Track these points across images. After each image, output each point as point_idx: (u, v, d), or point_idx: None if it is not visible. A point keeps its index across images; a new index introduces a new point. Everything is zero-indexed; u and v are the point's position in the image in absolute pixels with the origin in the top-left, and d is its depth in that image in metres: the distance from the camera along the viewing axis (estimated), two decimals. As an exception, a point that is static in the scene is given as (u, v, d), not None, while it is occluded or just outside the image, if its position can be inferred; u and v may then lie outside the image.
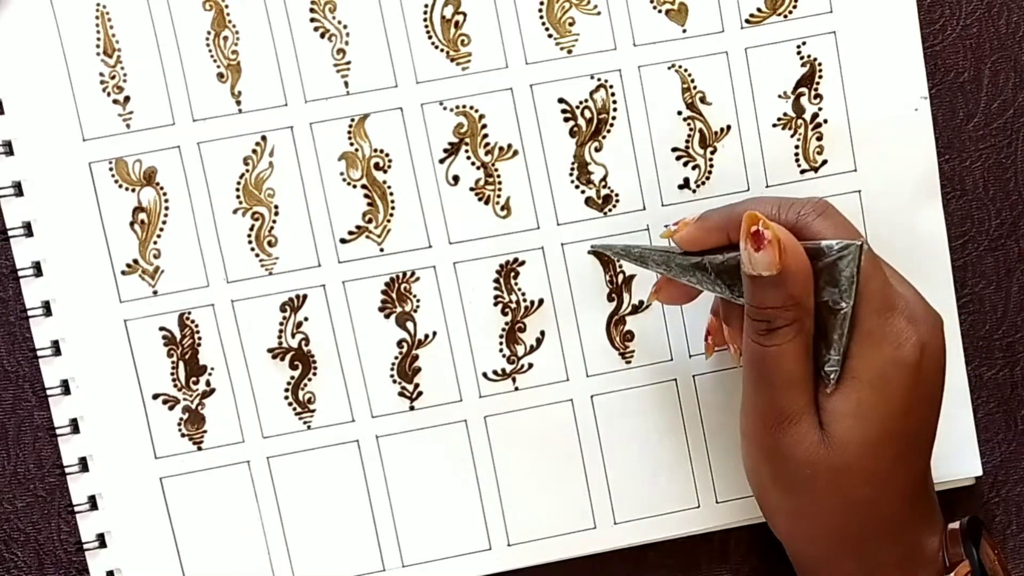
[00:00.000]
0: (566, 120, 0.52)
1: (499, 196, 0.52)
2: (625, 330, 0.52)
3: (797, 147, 0.52)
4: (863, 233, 0.52)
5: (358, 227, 0.51)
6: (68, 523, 0.52)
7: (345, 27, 0.51)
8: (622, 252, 0.49)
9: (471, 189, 0.52)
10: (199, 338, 0.51)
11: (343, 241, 0.51)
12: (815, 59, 0.52)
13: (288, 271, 0.51)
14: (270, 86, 0.51)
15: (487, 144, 0.51)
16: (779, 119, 0.52)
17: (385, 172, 0.51)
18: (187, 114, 0.51)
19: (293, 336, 0.52)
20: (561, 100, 0.51)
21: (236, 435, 0.52)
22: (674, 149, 0.52)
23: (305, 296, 0.52)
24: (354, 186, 0.51)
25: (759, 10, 0.52)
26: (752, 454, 0.46)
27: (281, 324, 0.52)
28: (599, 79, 0.51)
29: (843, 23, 0.52)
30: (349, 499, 0.52)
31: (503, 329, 0.52)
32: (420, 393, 0.52)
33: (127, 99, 0.51)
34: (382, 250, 0.52)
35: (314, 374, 0.52)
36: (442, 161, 0.51)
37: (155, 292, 0.51)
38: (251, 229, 0.51)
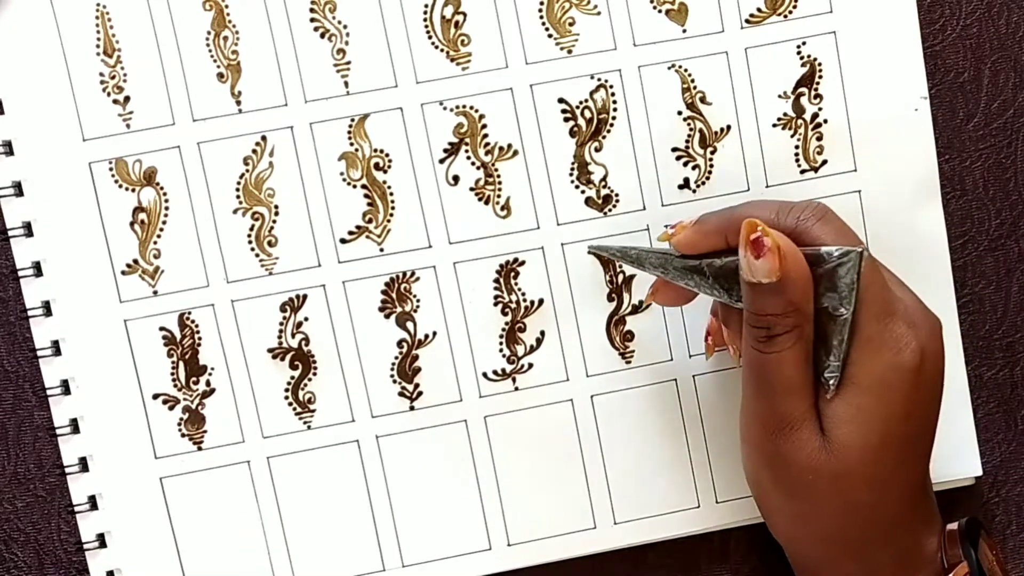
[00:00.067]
0: (566, 120, 0.52)
1: (499, 196, 0.52)
2: (625, 330, 0.52)
3: (797, 147, 0.52)
4: (863, 234, 0.52)
5: (358, 227, 0.51)
6: (68, 523, 0.52)
7: (345, 27, 0.51)
8: (619, 254, 0.49)
9: (471, 189, 0.52)
10: (199, 338, 0.51)
11: (343, 241, 0.51)
12: (815, 59, 0.52)
13: (288, 271, 0.51)
14: (270, 86, 0.51)
15: (487, 144, 0.51)
16: (779, 119, 0.52)
17: (385, 172, 0.51)
18: (187, 114, 0.51)
19: (293, 336, 0.52)
20: (561, 100, 0.51)
21: (236, 435, 0.52)
22: (674, 149, 0.52)
23: (305, 296, 0.52)
24: (354, 186, 0.51)
25: (759, 10, 0.52)
26: (752, 459, 0.46)
27: (281, 324, 0.52)
28: (599, 79, 0.51)
29: (843, 23, 0.52)
30: (349, 499, 0.52)
31: (503, 329, 0.52)
32: (420, 393, 0.52)
33: (127, 99, 0.51)
34: (382, 250, 0.52)
35: (314, 374, 0.52)
36: (442, 161, 0.51)
37: (155, 292, 0.51)
38: (251, 229, 0.51)
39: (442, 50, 0.51)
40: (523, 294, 0.52)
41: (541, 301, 0.52)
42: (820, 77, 0.52)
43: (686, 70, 0.52)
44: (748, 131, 0.52)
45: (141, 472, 0.52)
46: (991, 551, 0.46)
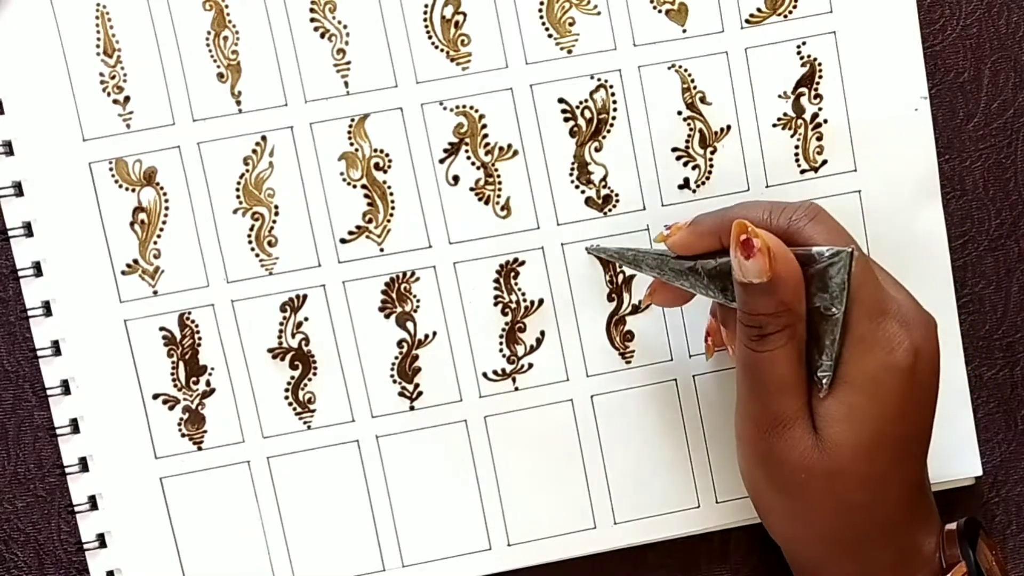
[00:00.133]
0: (566, 120, 0.52)
1: (499, 196, 0.52)
2: (625, 330, 0.52)
3: (797, 147, 0.52)
4: (863, 233, 0.52)
5: (358, 227, 0.51)
6: (68, 523, 0.52)
7: (345, 27, 0.51)
8: (616, 255, 0.50)
9: (471, 189, 0.52)
10: (199, 338, 0.51)
11: (343, 241, 0.51)
12: (815, 59, 0.52)
13: (288, 271, 0.51)
14: (270, 86, 0.51)
15: (487, 144, 0.51)
16: (779, 119, 0.52)
17: (385, 172, 0.51)
18: (187, 114, 0.51)
19: (293, 336, 0.52)
20: (561, 100, 0.51)
21: (236, 435, 0.52)
22: (674, 149, 0.52)
23: (305, 296, 0.52)
24: (354, 186, 0.51)
25: (759, 10, 0.52)
26: (747, 458, 0.46)
27: (281, 324, 0.52)
28: (599, 79, 0.51)
29: (843, 23, 0.52)
30: (349, 499, 0.52)
31: (503, 329, 0.52)
32: (420, 393, 0.52)
33: (127, 99, 0.51)
34: (382, 250, 0.52)
35: (314, 374, 0.52)
36: (442, 161, 0.51)
37: (155, 292, 0.51)
38: (251, 229, 0.51)
39: (442, 50, 0.51)
40: (523, 294, 0.52)
41: (541, 301, 0.52)
42: (820, 77, 0.52)
43: (686, 70, 0.52)
44: (748, 131, 0.52)
45: (141, 472, 0.52)
46: (990, 551, 0.46)
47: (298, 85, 0.51)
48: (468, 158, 0.51)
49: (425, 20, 0.51)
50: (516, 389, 0.52)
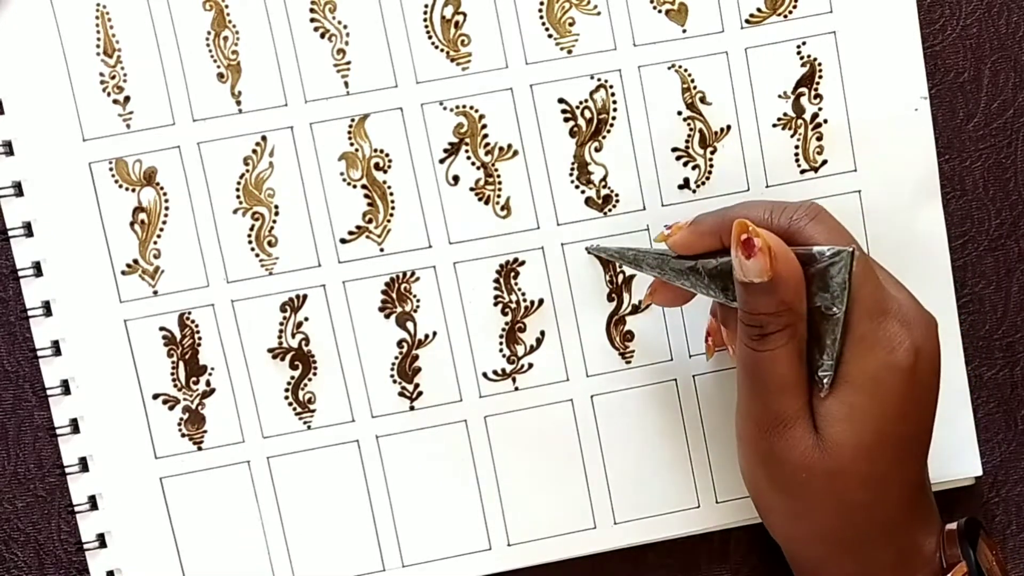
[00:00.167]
0: (566, 120, 0.52)
1: (499, 196, 0.52)
2: (625, 330, 0.52)
3: (797, 147, 0.52)
4: (863, 233, 0.52)
5: (358, 227, 0.51)
6: (68, 523, 0.52)
7: (345, 27, 0.51)
8: (617, 254, 0.50)
9: (471, 189, 0.52)
10: (199, 338, 0.51)
11: (343, 241, 0.51)
12: (815, 59, 0.52)
13: (288, 271, 0.51)
14: (270, 86, 0.51)
15: (487, 144, 0.51)
16: (779, 119, 0.52)
17: (385, 172, 0.51)
18: (187, 114, 0.51)
19: (293, 336, 0.52)
20: (561, 100, 0.51)
21: (236, 435, 0.52)
22: (674, 149, 0.52)
23: (305, 296, 0.52)
24: (354, 186, 0.51)
25: (759, 10, 0.52)
26: (747, 457, 0.46)
27: (281, 324, 0.52)
28: (599, 79, 0.51)
29: (843, 23, 0.52)
30: (349, 499, 0.52)
31: (503, 329, 0.52)
32: (420, 393, 0.52)
33: (127, 99, 0.51)
34: (382, 250, 0.52)
35: (314, 374, 0.52)
36: (442, 161, 0.51)
37: (155, 292, 0.51)
38: (251, 229, 0.51)
39: (442, 50, 0.51)
40: (523, 294, 0.52)
41: (541, 301, 0.52)
42: (820, 77, 0.52)
43: (686, 70, 0.52)
44: (748, 131, 0.52)
45: (141, 472, 0.52)
46: (991, 551, 0.46)
47: (298, 85, 0.51)
48: (468, 158, 0.51)
49: (425, 20, 0.51)
50: (516, 389, 0.52)
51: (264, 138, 0.51)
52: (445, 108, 0.51)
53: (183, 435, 0.52)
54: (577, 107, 0.51)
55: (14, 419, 0.52)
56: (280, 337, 0.52)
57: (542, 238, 0.52)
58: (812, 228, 0.44)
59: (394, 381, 0.52)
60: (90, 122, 0.51)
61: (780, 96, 0.52)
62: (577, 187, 0.52)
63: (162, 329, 0.51)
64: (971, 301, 0.54)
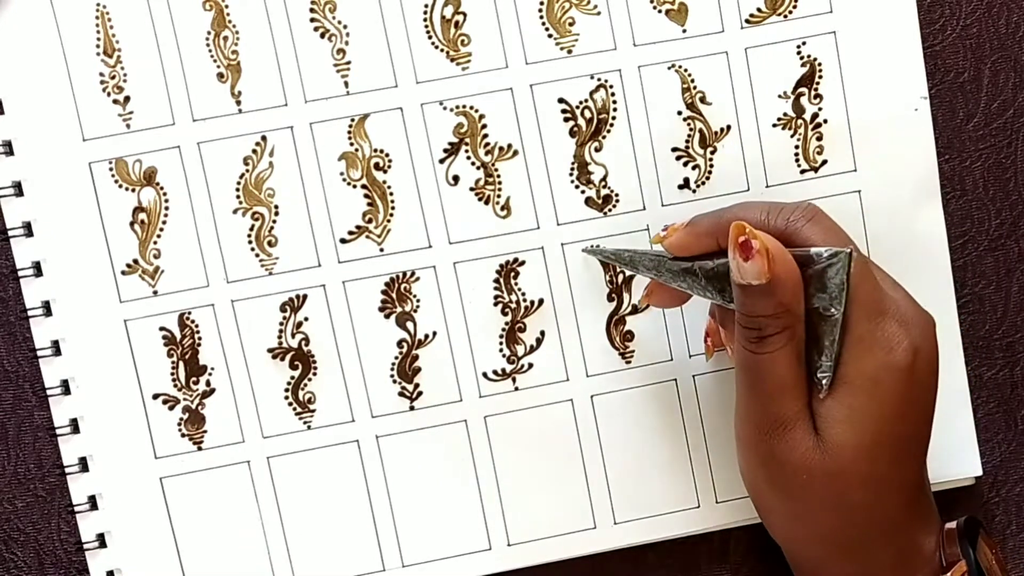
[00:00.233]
0: (566, 120, 0.52)
1: (499, 196, 0.52)
2: (625, 330, 0.52)
3: (797, 147, 0.52)
4: (863, 233, 0.52)
5: (358, 227, 0.51)
6: (68, 523, 0.52)
7: (345, 27, 0.51)
8: (613, 256, 0.50)
9: (471, 189, 0.52)
10: (199, 338, 0.51)
11: (343, 241, 0.51)
12: (815, 59, 0.52)
13: (288, 271, 0.51)
14: (270, 86, 0.51)
15: (487, 144, 0.51)
16: (779, 119, 0.52)
17: (385, 172, 0.51)
18: (187, 114, 0.51)
19: (293, 336, 0.52)
20: (561, 100, 0.51)
21: (236, 435, 0.52)
22: (674, 149, 0.52)
23: (305, 296, 0.52)
24: (354, 186, 0.51)
25: (759, 10, 0.52)
26: (747, 459, 0.46)
27: (281, 324, 0.52)
28: (599, 79, 0.51)
29: (843, 23, 0.52)
30: (349, 499, 0.52)
31: (503, 329, 0.52)
32: (420, 393, 0.52)
33: (127, 99, 0.51)
34: (382, 250, 0.52)
35: (314, 374, 0.52)
36: (442, 161, 0.51)
37: (155, 292, 0.51)
38: (251, 229, 0.51)
39: (442, 50, 0.51)
40: (523, 294, 0.52)
41: (541, 301, 0.52)
42: (820, 77, 0.52)
43: (686, 70, 0.52)
44: (748, 131, 0.52)
45: (141, 472, 0.52)
46: (990, 550, 0.46)
47: (298, 85, 0.51)
48: (468, 158, 0.51)
49: (425, 20, 0.51)
50: (516, 389, 0.52)
51: (264, 138, 0.51)
52: (445, 108, 0.51)
53: (183, 435, 0.52)
54: (577, 107, 0.51)
55: (14, 419, 0.52)
56: (280, 337, 0.52)
57: (542, 238, 0.52)
58: (809, 229, 0.44)
59: (394, 381, 0.52)
60: (90, 122, 0.51)
61: (780, 96, 0.52)
62: (577, 187, 0.52)
63: (162, 329, 0.51)
64: (971, 301, 0.54)
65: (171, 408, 0.52)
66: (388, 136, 0.51)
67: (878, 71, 0.52)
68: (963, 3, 0.53)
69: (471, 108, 0.51)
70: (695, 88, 0.52)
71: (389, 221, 0.51)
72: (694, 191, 0.52)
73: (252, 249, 0.51)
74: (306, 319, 0.52)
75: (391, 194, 0.51)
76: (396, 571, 0.52)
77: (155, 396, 0.51)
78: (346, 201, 0.51)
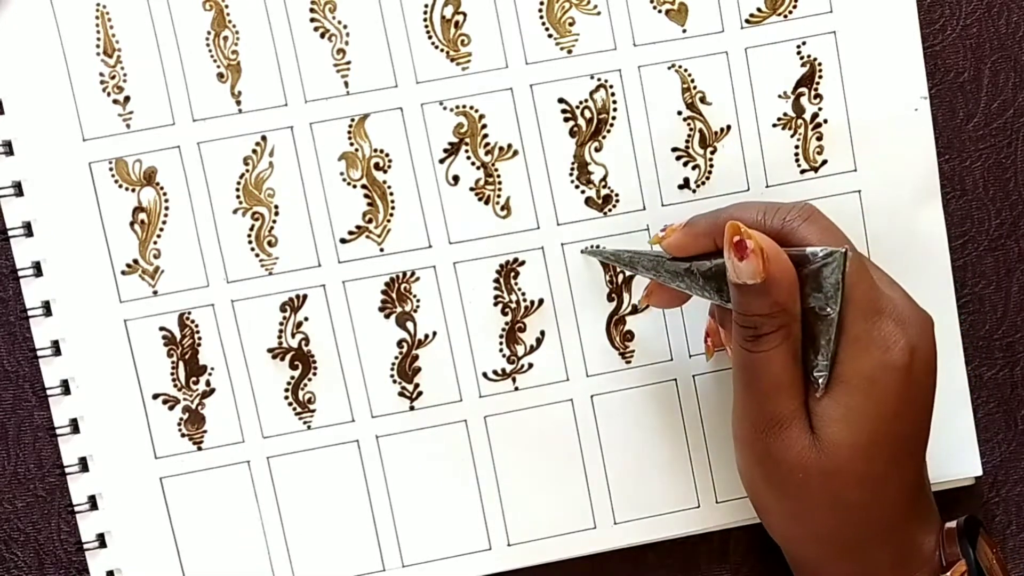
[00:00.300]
0: (566, 120, 0.52)
1: (499, 196, 0.52)
2: (625, 330, 0.52)
3: (797, 147, 0.52)
4: (863, 233, 0.52)
5: (358, 227, 0.51)
6: (68, 523, 0.52)
7: (345, 27, 0.51)
8: (613, 256, 0.50)
9: (471, 189, 0.52)
10: (199, 338, 0.51)
11: (343, 241, 0.51)
12: (815, 59, 0.52)
13: (288, 271, 0.51)
14: (270, 86, 0.51)
15: (487, 144, 0.51)
16: (779, 119, 0.52)
17: (385, 172, 0.51)
18: (187, 114, 0.51)
19: (293, 336, 0.52)
20: (561, 100, 0.51)
21: (236, 435, 0.52)
22: (674, 149, 0.52)
23: (305, 296, 0.52)
24: (354, 186, 0.51)
25: (759, 10, 0.52)
26: (745, 458, 0.46)
27: (281, 324, 0.52)
28: (599, 79, 0.51)
29: (843, 23, 0.52)
30: (349, 499, 0.52)
31: (503, 329, 0.52)
32: (420, 393, 0.52)
33: (127, 99, 0.51)
34: (382, 250, 0.52)
35: (314, 374, 0.52)
36: (442, 161, 0.51)
37: (155, 292, 0.51)
38: (251, 229, 0.51)
39: (442, 50, 0.51)
40: (523, 294, 0.52)
41: (541, 301, 0.52)
42: (820, 77, 0.52)
43: (686, 70, 0.52)
44: (748, 131, 0.52)
45: (141, 472, 0.52)
46: (991, 550, 0.46)
47: (298, 85, 0.51)
48: (468, 158, 0.51)
49: (425, 20, 0.51)
50: (516, 389, 0.52)
51: (264, 138, 0.51)
52: (445, 108, 0.51)
53: (183, 435, 0.52)
54: (577, 107, 0.51)
55: (14, 419, 0.52)
56: (280, 337, 0.52)
57: (542, 238, 0.52)
58: (805, 229, 0.45)
59: (394, 381, 0.52)
60: (90, 122, 0.51)
61: (780, 96, 0.52)
62: (577, 187, 0.52)
63: (162, 329, 0.51)
64: (971, 301, 0.54)
65: (171, 408, 0.52)
66: (388, 136, 0.51)
67: (878, 71, 0.52)
68: (963, 3, 0.53)
69: (471, 108, 0.51)
70: (695, 88, 0.52)
71: (389, 221, 0.51)
72: (694, 191, 0.52)
73: (252, 249, 0.51)
74: (306, 319, 0.52)
75: (391, 194, 0.51)
76: (396, 571, 0.52)
77: (155, 396, 0.51)
78: (346, 201, 0.51)
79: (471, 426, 0.52)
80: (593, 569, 0.53)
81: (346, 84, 0.51)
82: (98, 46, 0.50)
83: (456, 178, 0.51)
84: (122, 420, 0.51)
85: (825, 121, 0.52)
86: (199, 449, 0.52)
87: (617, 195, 0.52)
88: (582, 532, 0.53)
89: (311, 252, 0.51)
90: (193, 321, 0.51)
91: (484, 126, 0.51)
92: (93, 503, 0.52)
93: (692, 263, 0.47)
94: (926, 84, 0.52)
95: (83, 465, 0.51)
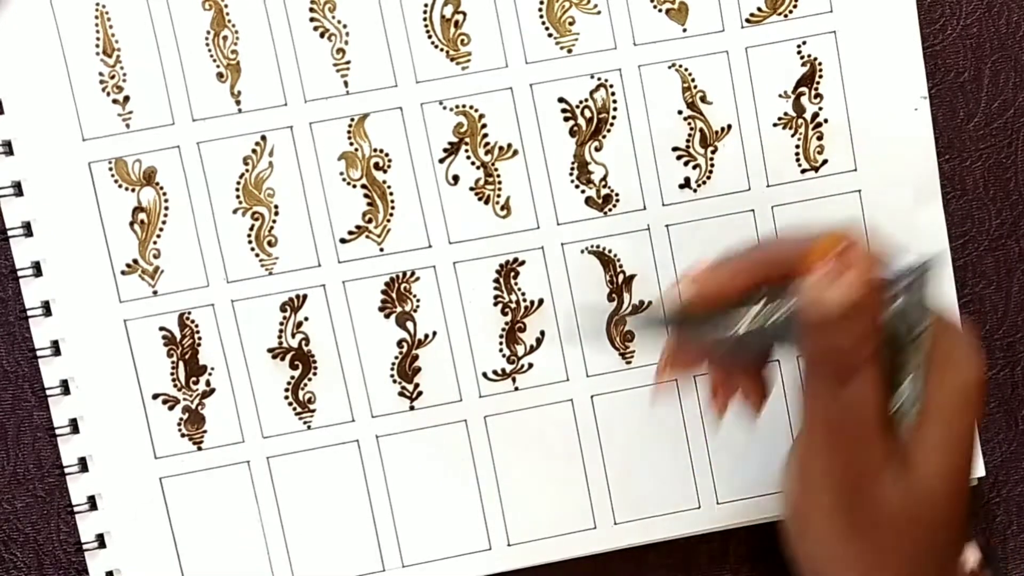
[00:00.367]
0: (566, 120, 0.52)
1: (499, 196, 0.52)
2: (625, 330, 0.52)
3: (797, 147, 0.52)
4: (864, 233, 0.52)
5: (358, 227, 0.51)
6: (68, 523, 0.52)
7: (345, 27, 0.51)
8: (661, 320, 0.45)
9: (471, 189, 0.52)
10: (199, 338, 0.51)
11: (343, 241, 0.51)
12: (815, 59, 0.52)
13: (288, 271, 0.51)
14: (270, 86, 0.51)
15: (487, 144, 0.51)
16: (779, 119, 0.52)
17: (385, 172, 0.51)
18: (187, 114, 0.51)
19: (293, 336, 0.52)
20: (561, 100, 0.51)
21: (236, 435, 0.52)
22: (674, 148, 0.52)
23: (305, 296, 0.52)
24: (354, 186, 0.51)
25: (759, 9, 0.52)
26: (822, 514, 0.40)
27: (281, 324, 0.52)
28: (599, 78, 0.51)
29: (843, 23, 0.52)
30: (349, 499, 0.52)
31: (503, 329, 0.52)
32: (420, 393, 0.52)
33: (127, 99, 0.51)
34: (382, 250, 0.52)
35: (314, 374, 0.52)
36: (442, 161, 0.51)
37: (155, 292, 0.51)
38: (251, 229, 0.51)
39: (442, 50, 0.51)
40: (523, 294, 0.52)
41: (541, 301, 0.52)
42: (820, 77, 0.52)
43: (686, 69, 0.52)
44: (748, 130, 0.52)
45: (141, 472, 0.52)
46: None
47: (298, 85, 0.51)
48: (468, 158, 0.51)
49: (425, 20, 0.51)
50: (516, 389, 0.52)
51: (264, 138, 0.51)
52: (445, 108, 0.51)
53: (183, 435, 0.52)
54: (577, 106, 0.51)
55: (14, 419, 0.52)
56: (280, 337, 0.52)
57: (542, 238, 0.52)
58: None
59: (394, 381, 0.52)
60: (90, 122, 0.51)
61: (780, 96, 0.52)
62: (577, 187, 0.52)
63: (162, 329, 0.51)
64: (971, 301, 0.54)
65: (171, 408, 0.52)
66: (388, 136, 0.51)
67: (878, 71, 0.52)
68: (963, 3, 0.53)
69: (471, 108, 0.51)
70: (695, 87, 0.52)
71: (389, 221, 0.51)
72: (695, 190, 0.52)
73: (252, 249, 0.51)
74: (306, 319, 0.52)
75: (391, 194, 0.51)
76: (396, 571, 0.52)
77: (155, 396, 0.51)
78: (346, 201, 0.51)
79: (471, 426, 0.52)
80: (593, 569, 0.53)
81: (346, 84, 0.51)
82: (98, 46, 0.50)
83: (456, 178, 0.51)
84: (122, 420, 0.51)
85: (825, 121, 0.52)
86: (199, 449, 0.52)
87: (617, 195, 0.52)
88: (582, 532, 0.53)
89: (311, 252, 0.51)
90: (193, 321, 0.51)
91: (484, 126, 0.51)
92: (93, 503, 0.52)
93: (738, 325, 0.41)
94: (926, 84, 0.52)
95: (83, 465, 0.51)
